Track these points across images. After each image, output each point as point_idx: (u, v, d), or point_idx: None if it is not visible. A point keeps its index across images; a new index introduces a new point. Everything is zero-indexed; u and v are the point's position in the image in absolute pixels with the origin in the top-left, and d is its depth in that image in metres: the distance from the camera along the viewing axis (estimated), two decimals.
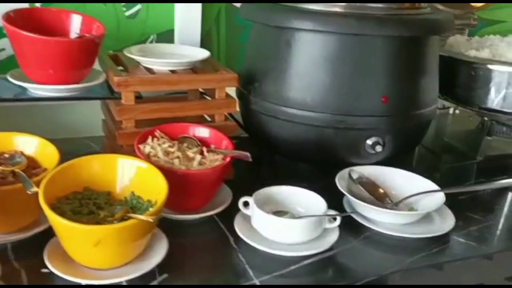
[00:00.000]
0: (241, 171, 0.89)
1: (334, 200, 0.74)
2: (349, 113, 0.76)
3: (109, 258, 0.55)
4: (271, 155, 0.92)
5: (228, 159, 0.70)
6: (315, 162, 0.84)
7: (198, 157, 0.70)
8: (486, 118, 0.97)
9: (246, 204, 0.68)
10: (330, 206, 0.68)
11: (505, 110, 0.88)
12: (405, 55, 0.76)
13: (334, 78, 0.75)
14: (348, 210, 0.73)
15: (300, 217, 0.66)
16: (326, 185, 0.74)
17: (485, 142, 0.99)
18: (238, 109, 0.86)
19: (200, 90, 0.90)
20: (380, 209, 0.68)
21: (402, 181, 0.78)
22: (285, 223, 0.63)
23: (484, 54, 0.94)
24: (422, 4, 0.82)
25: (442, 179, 0.93)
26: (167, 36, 1.04)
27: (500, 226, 0.76)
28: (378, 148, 0.78)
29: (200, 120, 0.85)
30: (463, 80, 0.92)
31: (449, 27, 0.80)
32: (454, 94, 0.95)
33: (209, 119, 0.86)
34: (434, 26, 0.77)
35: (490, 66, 0.88)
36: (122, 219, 0.57)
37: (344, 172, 0.76)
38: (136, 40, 1.02)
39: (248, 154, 0.69)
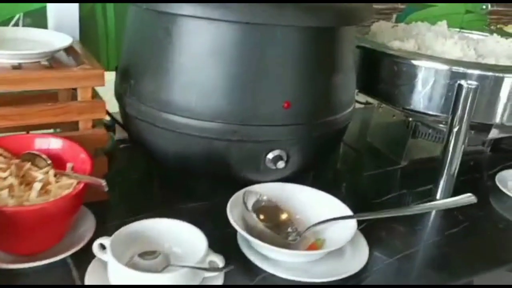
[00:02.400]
0: (123, 189, 0.72)
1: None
2: (244, 122, 0.60)
3: None
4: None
5: (81, 185, 0.53)
6: (209, 178, 0.69)
7: (38, 185, 0.52)
8: (410, 119, 0.86)
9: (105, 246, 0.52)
10: (227, 238, 0.54)
11: (430, 112, 0.76)
12: (312, 50, 0.62)
13: (224, 78, 0.60)
14: (241, 245, 0.59)
15: (166, 267, 0.50)
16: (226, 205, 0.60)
17: (410, 145, 0.89)
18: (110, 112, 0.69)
19: None
20: (272, 247, 0.54)
21: (310, 202, 0.65)
22: (143, 278, 0.47)
23: (409, 45, 0.82)
24: None
25: (362, 190, 0.82)
26: (38, 17, 0.85)
27: (421, 255, 0.65)
28: (280, 164, 0.63)
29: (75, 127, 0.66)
30: (385, 76, 0.79)
31: (366, 16, 0.67)
32: (376, 91, 0.83)
33: None
34: (348, 15, 0.63)
35: (414, 61, 0.75)
36: None
37: (239, 194, 0.61)
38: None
39: (103, 182, 0.52)
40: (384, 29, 0.94)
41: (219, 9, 0.55)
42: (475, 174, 0.90)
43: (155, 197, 0.73)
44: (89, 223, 0.59)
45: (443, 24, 0.99)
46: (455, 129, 0.73)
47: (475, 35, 1.04)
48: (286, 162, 0.65)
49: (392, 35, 0.89)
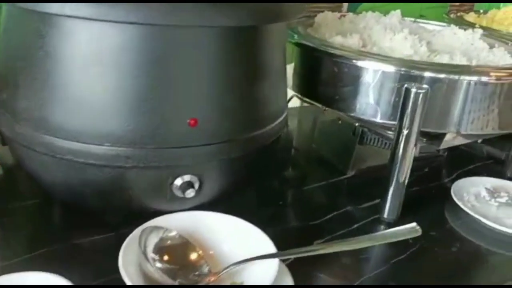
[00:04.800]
0: (16, 218, 0.61)
1: None
2: (139, 145, 0.49)
3: None
4: None
5: None
6: (106, 211, 0.58)
7: None
8: (357, 124, 0.76)
9: None
10: None
11: (375, 120, 0.66)
12: (226, 54, 0.51)
13: (112, 92, 0.48)
14: None
15: None
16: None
17: (357, 152, 0.79)
18: None
19: None
20: None
21: (226, 233, 0.54)
22: None
23: (352, 41, 0.71)
24: None
25: (300, 208, 0.72)
26: None
27: None
28: (190, 193, 0.52)
29: None
30: (325, 78, 0.69)
31: (293, 12, 0.56)
32: (317, 94, 0.72)
33: None
34: (269, 12, 0.52)
35: (355, 62, 0.65)
36: None
37: (136, 235, 0.50)
38: None
39: None
40: (330, 21, 0.84)
41: (95, 5, 0.43)
42: (429, 183, 0.81)
43: (53, 229, 0.61)
44: None
45: (396, 14, 0.89)
46: (402, 140, 0.64)
47: (432, 26, 0.94)
48: (200, 188, 0.54)
49: (337, 29, 0.79)
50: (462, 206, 0.71)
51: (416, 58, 0.68)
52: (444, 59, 0.69)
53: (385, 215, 0.68)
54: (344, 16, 0.87)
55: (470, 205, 0.72)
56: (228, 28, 0.49)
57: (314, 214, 0.69)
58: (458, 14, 1.09)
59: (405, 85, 0.62)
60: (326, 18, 0.84)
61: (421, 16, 1.22)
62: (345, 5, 1.00)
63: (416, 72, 0.63)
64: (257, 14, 0.50)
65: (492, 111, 0.66)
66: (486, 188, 0.74)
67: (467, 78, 0.64)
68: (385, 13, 0.89)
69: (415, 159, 0.75)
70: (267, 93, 0.58)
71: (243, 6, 0.49)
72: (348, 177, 0.79)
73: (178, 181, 0.53)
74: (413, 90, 0.61)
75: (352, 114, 0.68)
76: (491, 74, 0.63)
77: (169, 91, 0.49)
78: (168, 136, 0.49)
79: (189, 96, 0.49)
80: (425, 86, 0.62)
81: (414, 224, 0.52)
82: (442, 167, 0.88)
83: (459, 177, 0.81)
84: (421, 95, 0.61)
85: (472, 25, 0.95)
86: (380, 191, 0.69)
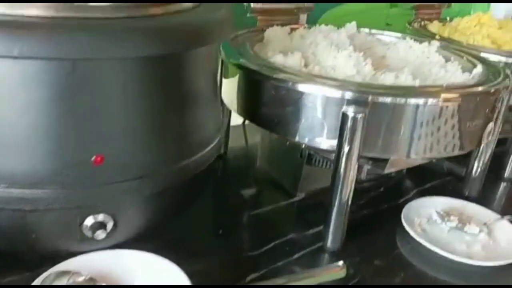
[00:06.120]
0: None
1: None
2: (40, 186, 0.45)
3: None
4: None
5: None
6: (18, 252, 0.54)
7: None
8: (303, 146, 0.73)
9: None
10: None
11: (318, 145, 0.63)
12: (135, 84, 0.47)
13: (9, 128, 0.44)
14: None
15: None
16: None
17: (306, 174, 0.76)
18: None
19: None
20: None
21: (145, 276, 0.51)
22: None
23: (293, 60, 0.68)
24: None
25: (243, 236, 0.69)
26: None
27: None
28: (100, 234, 0.49)
29: None
30: (264, 101, 0.65)
31: (216, 36, 0.52)
32: (258, 118, 0.68)
33: None
34: (183, 38, 0.48)
35: (291, 84, 0.61)
36: None
37: (37, 284, 0.46)
38: None
39: None
40: (279, 36, 0.80)
41: None
42: (383, 205, 0.78)
43: None
44: None
45: (350, 26, 0.85)
46: (342, 165, 0.60)
47: (389, 37, 0.91)
48: (116, 227, 0.51)
49: (283, 45, 0.75)
50: (410, 232, 0.68)
51: (358, 78, 0.65)
52: (389, 78, 0.66)
53: (328, 244, 0.65)
54: (295, 30, 0.83)
55: (420, 229, 0.69)
56: (134, 58, 0.46)
57: (256, 243, 0.66)
58: (423, 23, 1.05)
59: (342, 110, 0.59)
60: (275, 33, 0.80)
61: (387, 25, 1.19)
62: (303, 17, 0.97)
63: (354, 95, 0.59)
64: (162, 42, 0.46)
65: (438, 134, 0.63)
66: (437, 212, 0.71)
67: (412, 101, 0.60)
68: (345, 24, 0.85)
69: (371, 179, 0.72)
70: (193, 120, 0.54)
71: (144, 35, 0.45)
72: (298, 200, 0.76)
73: (89, 221, 0.49)
74: (351, 114, 0.58)
75: (294, 139, 0.64)
76: (435, 95, 0.60)
77: (68, 128, 0.45)
78: (71, 175, 0.46)
79: (93, 132, 0.46)
80: (363, 110, 0.58)
81: (340, 262, 0.49)
82: (399, 186, 0.85)
83: (416, 196, 0.78)
84: (358, 119, 0.58)
85: (432, 36, 0.92)
86: (321, 217, 0.66)
